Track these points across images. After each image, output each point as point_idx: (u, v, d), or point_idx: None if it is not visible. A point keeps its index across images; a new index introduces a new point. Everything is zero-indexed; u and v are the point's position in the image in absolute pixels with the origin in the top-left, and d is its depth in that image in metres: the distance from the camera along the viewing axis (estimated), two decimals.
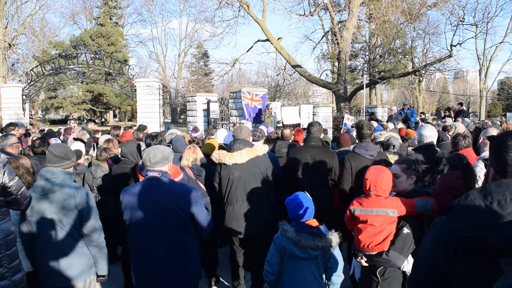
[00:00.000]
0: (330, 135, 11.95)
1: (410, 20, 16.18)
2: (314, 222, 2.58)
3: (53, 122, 38.97)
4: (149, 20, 75.43)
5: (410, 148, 5.27)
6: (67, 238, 2.69)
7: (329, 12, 18.58)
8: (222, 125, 13.58)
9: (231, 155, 3.67)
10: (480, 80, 35.08)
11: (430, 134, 4.12)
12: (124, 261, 4.22)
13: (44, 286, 2.77)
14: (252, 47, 20.24)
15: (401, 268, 2.53)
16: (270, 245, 2.63)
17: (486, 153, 3.74)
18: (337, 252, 2.55)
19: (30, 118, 17.02)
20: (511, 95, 42.19)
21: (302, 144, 5.11)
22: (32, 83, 16.86)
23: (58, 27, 55.63)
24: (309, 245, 2.43)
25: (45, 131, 8.67)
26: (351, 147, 4.49)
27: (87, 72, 18.82)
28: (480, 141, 4.24)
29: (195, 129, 7.40)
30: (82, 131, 7.21)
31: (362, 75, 18.38)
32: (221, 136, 6.24)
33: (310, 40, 24.00)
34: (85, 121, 14.26)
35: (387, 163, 3.54)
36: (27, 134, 8.11)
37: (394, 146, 4.73)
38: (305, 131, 4.85)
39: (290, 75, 23.32)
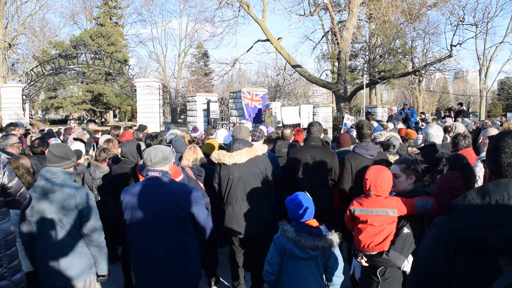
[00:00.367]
0: (330, 135, 11.94)
1: (410, 20, 16.18)
2: (314, 222, 2.58)
3: (53, 122, 38.96)
4: (149, 20, 75.52)
5: (412, 148, 5.27)
6: (67, 238, 2.69)
7: (329, 12, 18.58)
8: (222, 125, 13.57)
9: (231, 155, 3.67)
10: (480, 80, 35.08)
11: (436, 133, 4.11)
12: (124, 261, 4.22)
13: (44, 286, 2.77)
14: (252, 47, 20.26)
15: (401, 268, 2.53)
16: (270, 245, 2.64)
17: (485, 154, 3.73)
18: (337, 252, 2.55)
19: (30, 118, 17.02)
20: (511, 95, 42.18)
21: (302, 144, 5.11)
22: (32, 83, 16.86)
23: (58, 27, 55.69)
24: (309, 245, 2.43)
25: (45, 131, 8.66)
26: (351, 147, 4.49)
27: (87, 72, 18.82)
28: (480, 141, 4.24)
29: (195, 129, 7.39)
30: (82, 131, 7.20)
31: (362, 75, 18.38)
32: (221, 136, 6.25)
33: (310, 40, 24.05)
34: (85, 121, 14.28)
35: (387, 163, 3.54)
36: (26, 134, 8.10)
37: (394, 146, 4.72)
38: (305, 131, 4.84)
39: (290, 75, 23.32)
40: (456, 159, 3.01)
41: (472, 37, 24.02)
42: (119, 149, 4.71)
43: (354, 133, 5.62)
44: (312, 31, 35.36)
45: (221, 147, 4.51)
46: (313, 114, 13.84)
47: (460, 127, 6.39)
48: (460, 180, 2.84)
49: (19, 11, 30.59)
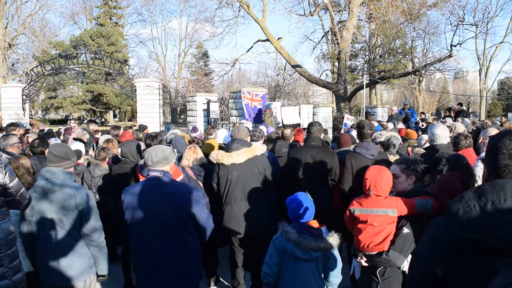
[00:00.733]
0: (330, 135, 11.94)
1: (410, 20, 16.17)
2: (315, 223, 2.57)
3: (53, 122, 38.95)
4: (149, 20, 75.54)
5: (416, 148, 5.26)
6: (67, 238, 2.69)
7: (329, 12, 18.56)
8: (222, 125, 13.57)
9: (229, 155, 3.67)
10: (480, 80, 35.09)
11: (443, 133, 4.10)
12: (124, 261, 4.23)
13: (44, 286, 2.77)
14: (252, 47, 20.23)
15: (401, 268, 2.53)
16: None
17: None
18: (336, 253, 2.55)
19: (30, 118, 17.02)
20: (511, 95, 42.17)
21: (302, 144, 5.11)
22: (32, 83, 16.86)
23: (58, 27, 55.79)
24: (311, 246, 2.41)
25: (45, 131, 8.66)
26: (352, 147, 4.49)
27: (87, 72, 18.82)
28: (480, 141, 4.24)
29: (194, 129, 7.39)
30: (82, 131, 7.20)
31: (362, 75, 18.37)
32: (221, 136, 6.25)
33: (310, 40, 24.03)
34: (85, 121, 14.31)
35: (388, 163, 3.54)
36: (26, 134, 8.10)
37: (394, 146, 4.72)
38: (305, 131, 4.84)
39: (290, 75, 23.30)
40: (456, 159, 3.00)
41: (472, 37, 24.09)
42: (119, 149, 4.71)
43: (354, 133, 5.63)
44: (312, 31, 35.46)
45: (221, 147, 4.51)
46: (313, 114, 13.83)
47: (460, 127, 6.38)
48: (460, 181, 2.84)
49: (19, 11, 30.63)
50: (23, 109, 16.24)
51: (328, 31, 23.28)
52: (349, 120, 12.27)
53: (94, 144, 7.50)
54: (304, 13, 18.63)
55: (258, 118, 12.27)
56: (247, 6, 17.29)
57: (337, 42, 17.56)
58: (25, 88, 16.53)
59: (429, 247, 1.28)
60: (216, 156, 3.73)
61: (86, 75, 19.25)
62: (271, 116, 11.52)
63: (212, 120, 13.54)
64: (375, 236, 2.56)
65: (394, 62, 18.28)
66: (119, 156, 4.52)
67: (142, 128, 8.27)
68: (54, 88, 34.31)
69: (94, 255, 2.82)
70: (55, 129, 10.00)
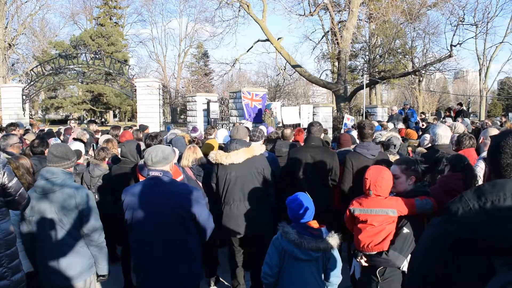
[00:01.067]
0: (330, 135, 11.94)
1: (410, 20, 16.17)
2: (315, 224, 2.56)
3: (53, 122, 38.95)
4: (149, 20, 75.38)
5: (419, 148, 5.26)
6: (67, 238, 2.69)
7: (329, 12, 18.55)
8: (222, 125, 13.57)
9: (228, 155, 3.67)
10: (480, 80, 35.09)
11: (445, 133, 4.13)
12: (124, 261, 4.23)
13: (44, 286, 2.77)
14: (252, 47, 20.21)
15: (401, 268, 2.53)
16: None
17: (486, 153, 3.73)
18: (336, 253, 2.54)
19: (30, 118, 17.03)
20: (511, 95, 42.18)
21: (302, 144, 5.10)
22: (32, 83, 16.86)
23: (58, 27, 55.81)
24: (312, 246, 2.41)
25: (45, 131, 8.66)
26: (352, 147, 4.49)
27: (87, 72, 18.83)
28: (480, 141, 4.24)
29: (194, 129, 7.39)
30: (82, 131, 7.20)
31: (362, 75, 18.36)
32: (221, 136, 6.24)
33: (310, 40, 24.02)
34: (85, 121, 14.29)
35: (388, 163, 3.54)
36: (25, 134, 8.09)
37: (395, 146, 4.72)
38: (305, 131, 4.84)
39: (290, 75, 23.29)
40: (457, 159, 3.00)
41: (472, 37, 24.09)
42: (119, 149, 4.71)
43: (354, 133, 5.63)
44: (312, 31, 35.40)
45: (220, 147, 4.50)
46: (313, 114, 13.83)
47: (460, 127, 6.38)
48: (460, 181, 2.84)
49: (19, 11, 30.62)
50: (23, 109, 16.25)
51: (328, 31, 23.29)
52: (349, 120, 12.27)
53: (94, 144, 7.49)
54: (304, 13, 18.62)
55: (258, 118, 12.27)
56: (247, 6, 17.28)
57: (337, 42, 17.56)
58: (25, 88, 16.53)
59: (429, 247, 1.28)
60: (215, 156, 3.73)
61: (86, 75, 19.26)
62: (271, 116, 11.52)
63: (212, 120, 13.55)
64: (375, 236, 2.56)
65: (394, 62, 18.28)
66: (119, 156, 4.52)
67: (143, 128, 8.26)
68: (54, 88, 34.31)
69: (94, 255, 2.81)
70: (55, 129, 10.00)
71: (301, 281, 2.48)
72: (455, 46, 14.47)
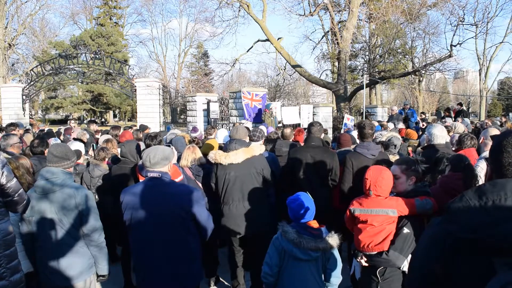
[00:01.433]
0: (330, 135, 11.94)
1: (410, 20, 16.16)
2: (315, 224, 2.56)
3: (53, 122, 38.95)
4: (149, 20, 75.37)
5: (419, 148, 5.26)
6: (67, 238, 2.69)
7: (329, 12, 18.55)
8: (222, 125, 13.57)
9: (227, 155, 3.67)
10: (480, 80, 35.09)
11: (440, 133, 4.14)
12: (124, 261, 4.22)
13: (44, 286, 2.77)
14: (252, 47, 20.20)
15: (401, 268, 2.53)
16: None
17: (486, 153, 3.73)
18: (336, 253, 2.54)
19: (30, 118, 17.03)
20: (511, 95, 42.18)
21: (302, 144, 5.10)
22: (32, 83, 16.86)
23: (58, 27, 55.84)
24: (311, 246, 2.41)
25: (45, 131, 8.66)
26: (352, 147, 4.48)
27: (87, 72, 18.84)
28: (480, 141, 4.24)
29: (194, 129, 7.38)
30: (82, 131, 7.20)
31: (362, 75, 18.36)
32: (221, 136, 6.24)
33: (310, 40, 24.02)
34: (85, 121, 14.30)
35: (388, 163, 3.54)
36: (25, 134, 8.08)
37: (395, 146, 4.72)
38: (306, 131, 4.84)
39: (290, 75, 23.28)
40: (458, 159, 3.00)
41: (472, 37, 24.09)
42: (119, 149, 4.70)
43: (355, 133, 5.63)
44: (312, 31, 35.39)
45: (220, 148, 4.50)
46: (313, 114, 13.83)
47: (460, 127, 6.38)
48: (461, 181, 2.84)
49: (19, 11, 30.63)
50: (23, 109, 16.25)
51: (328, 31, 23.28)
52: (349, 120, 12.26)
53: (94, 144, 7.49)
54: (304, 13, 18.62)
55: (258, 118, 12.27)
56: (247, 6, 17.28)
57: (337, 42, 17.55)
58: (25, 88, 16.54)
59: (429, 247, 1.27)
60: (214, 156, 3.73)
61: (86, 75, 19.27)
62: (271, 116, 11.52)
63: (212, 120, 13.55)
64: (375, 236, 2.56)
65: (394, 62, 18.27)
66: (119, 156, 4.52)
67: (143, 128, 8.26)
68: (54, 88, 34.31)
69: (94, 255, 2.81)
70: (55, 129, 10.00)
71: (301, 281, 2.47)
72: (455, 46, 14.47)
